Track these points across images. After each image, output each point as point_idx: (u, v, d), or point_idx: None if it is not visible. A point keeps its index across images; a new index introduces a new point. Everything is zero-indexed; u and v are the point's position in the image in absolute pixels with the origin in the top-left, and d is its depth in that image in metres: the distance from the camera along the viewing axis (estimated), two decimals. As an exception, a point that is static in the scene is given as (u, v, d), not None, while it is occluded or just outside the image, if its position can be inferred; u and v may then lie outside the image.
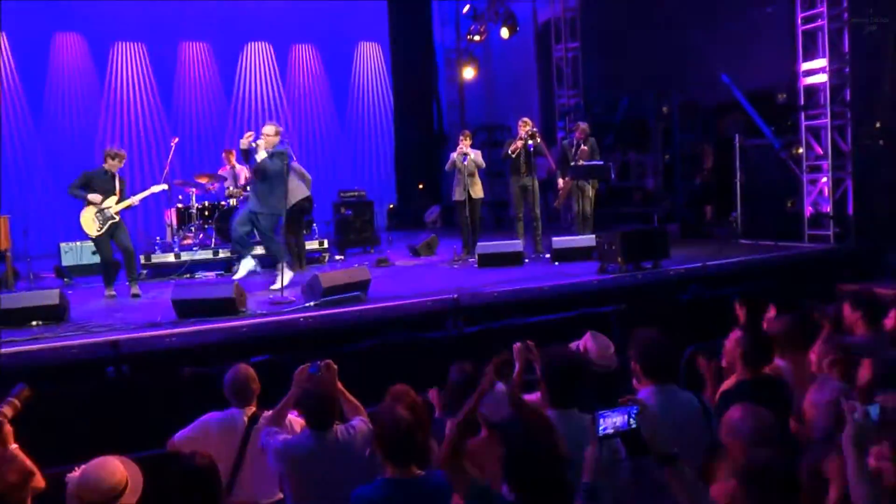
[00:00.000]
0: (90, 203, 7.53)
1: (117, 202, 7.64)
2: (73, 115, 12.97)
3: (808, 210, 9.38)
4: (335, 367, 3.89)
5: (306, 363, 3.89)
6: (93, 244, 7.96)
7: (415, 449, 3.05)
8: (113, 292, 7.71)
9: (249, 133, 8.06)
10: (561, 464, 2.45)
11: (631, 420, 2.30)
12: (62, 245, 9.62)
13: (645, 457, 2.38)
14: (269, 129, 8.05)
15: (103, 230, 7.60)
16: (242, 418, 3.88)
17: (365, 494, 3.00)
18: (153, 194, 8.33)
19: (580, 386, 3.39)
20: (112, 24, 12.95)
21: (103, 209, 7.58)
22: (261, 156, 7.86)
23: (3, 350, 5.21)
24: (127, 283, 7.81)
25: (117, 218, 7.65)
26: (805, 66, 9.30)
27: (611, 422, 2.30)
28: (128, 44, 13.37)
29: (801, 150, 9.53)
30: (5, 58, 12.42)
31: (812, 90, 9.32)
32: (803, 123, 9.40)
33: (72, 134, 12.85)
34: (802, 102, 9.38)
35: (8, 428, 3.31)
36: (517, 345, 4.05)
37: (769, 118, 10.22)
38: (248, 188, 8.42)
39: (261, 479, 3.77)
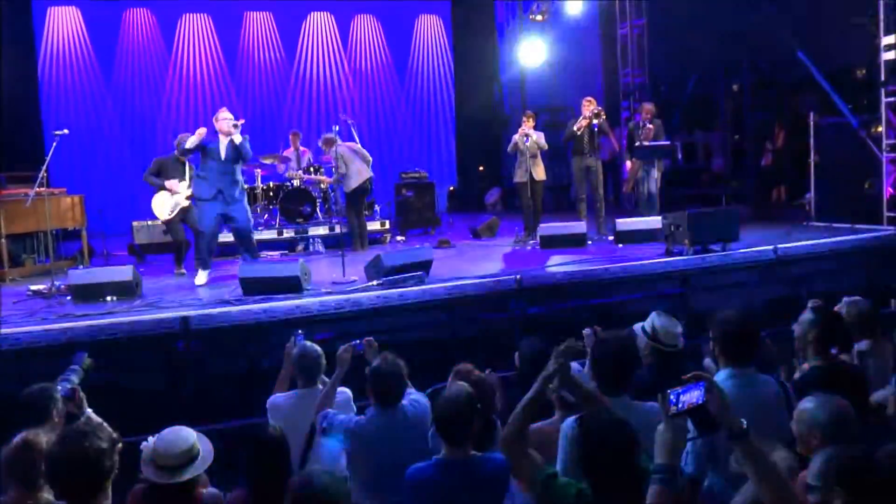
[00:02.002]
0: (166, 189, 7.80)
1: (187, 188, 7.88)
2: (143, 92, 13.33)
3: (888, 191, 8.95)
4: (376, 344, 3.95)
5: (350, 343, 3.96)
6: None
7: (470, 429, 2.98)
8: (183, 270, 7.96)
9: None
10: (637, 450, 2.42)
11: (701, 396, 2.23)
12: (134, 224, 9.92)
13: (716, 433, 2.31)
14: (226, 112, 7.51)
15: (174, 214, 7.95)
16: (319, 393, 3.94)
17: (418, 474, 2.98)
18: None
19: (630, 373, 3.33)
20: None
21: (174, 194, 7.85)
22: (238, 138, 7.28)
23: (79, 323, 5.41)
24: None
25: (187, 203, 7.90)
26: (886, 40, 8.85)
27: (687, 398, 2.23)
28: (194, 15, 13.60)
29: (880, 129, 9.10)
30: (80, 33, 12.82)
31: (894, 65, 8.87)
32: (883, 100, 8.95)
33: (142, 111, 13.22)
34: (883, 78, 8.94)
35: (80, 394, 3.44)
36: (587, 330, 4.00)
37: (847, 95, 9.77)
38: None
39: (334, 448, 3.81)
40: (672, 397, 2.21)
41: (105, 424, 3.05)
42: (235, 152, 7.30)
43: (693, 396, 2.23)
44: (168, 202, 8.03)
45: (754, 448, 2.23)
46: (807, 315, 3.80)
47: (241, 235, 7.64)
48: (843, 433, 2.56)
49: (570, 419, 2.82)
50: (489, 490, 2.96)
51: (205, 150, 7.33)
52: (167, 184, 7.93)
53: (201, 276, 7.39)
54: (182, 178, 8.00)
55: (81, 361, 3.67)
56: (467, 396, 3.01)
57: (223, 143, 7.33)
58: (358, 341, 4.00)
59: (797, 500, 2.20)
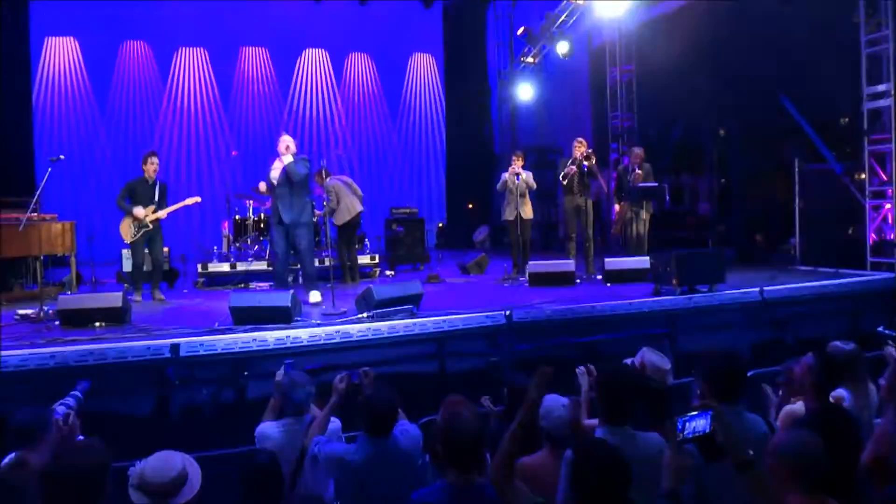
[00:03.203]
0: (133, 216, 7.97)
1: (153, 212, 7.94)
2: (137, 121, 13.47)
3: (871, 237, 9.13)
4: (373, 375, 3.96)
5: (345, 373, 3.98)
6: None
7: (479, 455, 3.05)
8: (139, 298, 8.06)
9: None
10: (629, 482, 2.46)
11: (707, 425, 2.27)
12: (124, 251, 9.89)
13: (721, 462, 2.35)
14: (287, 137, 7.84)
15: (137, 237, 8.07)
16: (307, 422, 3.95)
17: (425, 498, 3.00)
18: (189, 206, 8.56)
19: (635, 403, 3.37)
20: (176, 30, 13.40)
21: (145, 216, 8.01)
22: (287, 159, 7.58)
23: (68, 348, 5.39)
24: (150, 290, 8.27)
25: (151, 227, 7.98)
26: (869, 89, 9.11)
27: (690, 426, 2.27)
28: (190, 49, 13.78)
29: (863, 176, 9.30)
30: (76, 63, 12.94)
31: (876, 114, 9.11)
32: (867, 148, 9.18)
33: (135, 140, 13.30)
34: (866, 127, 9.17)
35: (74, 419, 3.43)
36: (580, 368, 4.04)
37: (831, 143, 10.00)
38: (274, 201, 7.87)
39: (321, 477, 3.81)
40: (679, 424, 2.25)
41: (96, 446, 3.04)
42: (286, 175, 7.50)
43: (700, 425, 2.26)
44: (133, 225, 8.13)
45: (760, 478, 2.26)
46: (807, 358, 3.85)
47: (299, 259, 7.85)
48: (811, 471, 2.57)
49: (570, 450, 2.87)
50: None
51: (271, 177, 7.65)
52: (135, 211, 8.02)
53: (314, 296, 7.65)
54: (152, 201, 8.07)
55: (84, 388, 3.68)
56: (478, 423, 3.07)
57: (278, 167, 7.60)
58: (355, 371, 4.00)
59: None
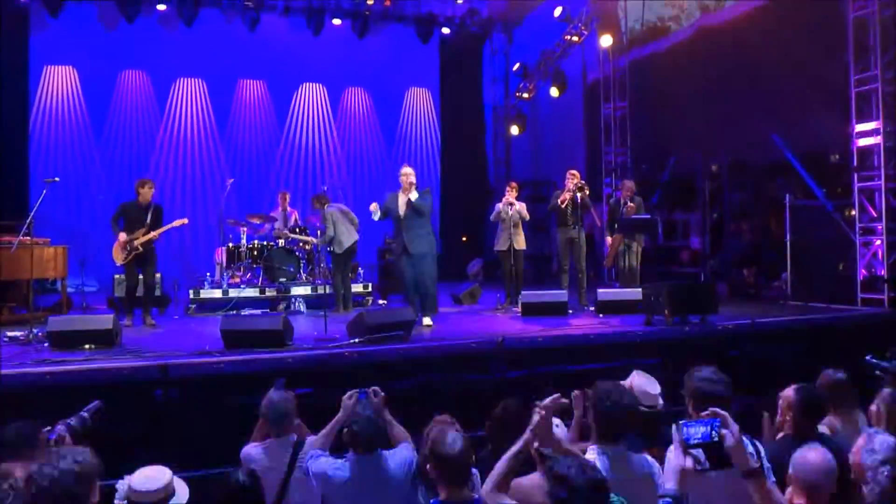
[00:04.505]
0: (119, 239, 8.04)
1: (144, 234, 7.95)
2: (133, 149, 13.50)
3: (862, 273, 9.18)
4: (382, 394, 3.92)
5: (355, 390, 3.94)
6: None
7: (470, 470, 3.06)
8: (130, 323, 8.05)
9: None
10: (606, 497, 2.46)
11: (714, 433, 2.26)
12: (116, 277, 9.89)
13: (728, 469, 2.34)
14: (408, 169, 8.15)
15: (128, 259, 8.09)
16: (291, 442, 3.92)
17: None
18: (183, 232, 8.59)
19: (630, 425, 3.37)
20: (175, 61, 13.51)
21: (130, 240, 8.03)
22: (413, 195, 7.91)
23: (56, 369, 5.35)
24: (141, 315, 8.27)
25: (141, 249, 7.97)
26: (859, 127, 9.25)
27: (694, 432, 2.26)
28: (189, 80, 13.90)
29: (853, 212, 9.39)
30: (74, 92, 13.03)
31: (866, 152, 9.23)
32: (856, 185, 9.28)
33: (130, 167, 13.31)
34: (856, 164, 9.28)
35: (68, 440, 3.39)
36: (576, 392, 4.04)
37: (821, 179, 10.12)
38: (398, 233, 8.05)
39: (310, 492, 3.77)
40: (684, 430, 2.24)
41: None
42: (413, 208, 7.71)
43: (707, 430, 2.25)
44: (125, 247, 8.15)
45: (766, 486, 2.25)
46: (789, 391, 3.87)
47: (424, 286, 7.95)
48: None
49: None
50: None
51: (388, 211, 7.95)
52: (120, 236, 8.08)
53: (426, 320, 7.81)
54: (143, 224, 8.08)
55: (93, 409, 3.66)
56: (466, 440, 3.08)
57: (402, 200, 7.80)
58: (364, 390, 3.97)
59: None
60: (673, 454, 2.35)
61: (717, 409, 2.38)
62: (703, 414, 2.34)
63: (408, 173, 8.00)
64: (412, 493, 3.50)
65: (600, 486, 2.43)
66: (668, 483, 2.28)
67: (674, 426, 2.28)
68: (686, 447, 2.25)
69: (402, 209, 7.90)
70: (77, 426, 3.69)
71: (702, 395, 3.26)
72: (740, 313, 8.25)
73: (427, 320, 7.87)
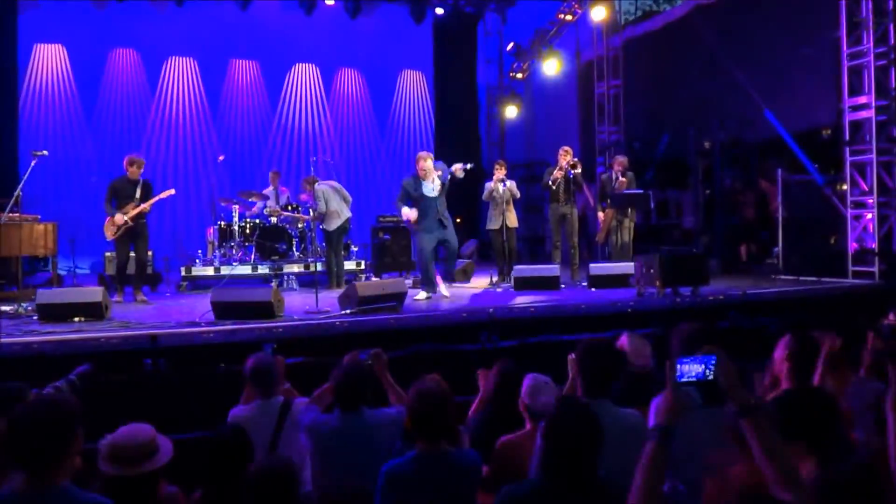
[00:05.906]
0: (113, 219, 8.00)
1: (133, 208, 7.91)
2: (124, 128, 13.35)
3: (853, 246, 9.21)
4: (385, 357, 3.92)
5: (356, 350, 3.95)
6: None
7: (446, 423, 3.04)
8: (121, 299, 8.05)
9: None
10: (597, 456, 2.48)
11: (708, 370, 2.23)
12: (107, 254, 9.84)
13: (722, 406, 2.32)
14: (426, 154, 8.54)
15: (118, 233, 8.06)
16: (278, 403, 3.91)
17: (396, 469, 2.99)
18: (164, 199, 8.55)
19: (615, 377, 3.37)
20: (166, 39, 13.37)
21: (124, 220, 8.02)
22: (437, 180, 8.28)
23: (46, 338, 5.33)
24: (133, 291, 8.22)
25: (131, 223, 7.91)
26: (850, 102, 9.24)
27: (688, 369, 2.23)
28: (180, 59, 13.77)
29: (844, 187, 9.40)
30: (64, 70, 12.92)
31: (857, 126, 9.23)
32: (848, 159, 9.29)
33: (121, 147, 13.17)
34: (847, 138, 9.29)
35: None
36: (572, 355, 4.04)
37: (813, 154, 10.12)
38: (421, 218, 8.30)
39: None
40: (678, 366, 2.22)
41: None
42: (443, 188, 8.30)
43: (702, 368, 2.22)
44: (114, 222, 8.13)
45: (763, 424, 2.22)
46: (785, 340, 3.85)
47: (451, 256, 8.63)
48: None
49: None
50: (465, 483, 3.02)
51: (410, 196, 8.21)
52: (115, 217, 8.06)
53: (442, 288, 8.37)
54: (133, 199, 8.06)
55: (81, 372, 3.65)
56: (442, 391, 3.05)
57: (428, 186, 8.20)
58: (366, 351, 3.96)
59: (801, 479, 2.19)
60: (661, 397, 2.34)
61: (712, 346, 2.35)
62: (700, 351, 2.30)
63: (430, 162, 8.40)
64: (397, 447, 3.50)
65: (596, 432, 2.45)
66: (656, 420, 2.26)
67: (667, 363, 2.25)
68: (677, 386, 2.22)
69: (435, 192, 8.26)
70: (66, 389, 3.69)
71: (689, 337, 3.28)
72: (732, 286, 8.27)
73: (444, 289, 8.34)
